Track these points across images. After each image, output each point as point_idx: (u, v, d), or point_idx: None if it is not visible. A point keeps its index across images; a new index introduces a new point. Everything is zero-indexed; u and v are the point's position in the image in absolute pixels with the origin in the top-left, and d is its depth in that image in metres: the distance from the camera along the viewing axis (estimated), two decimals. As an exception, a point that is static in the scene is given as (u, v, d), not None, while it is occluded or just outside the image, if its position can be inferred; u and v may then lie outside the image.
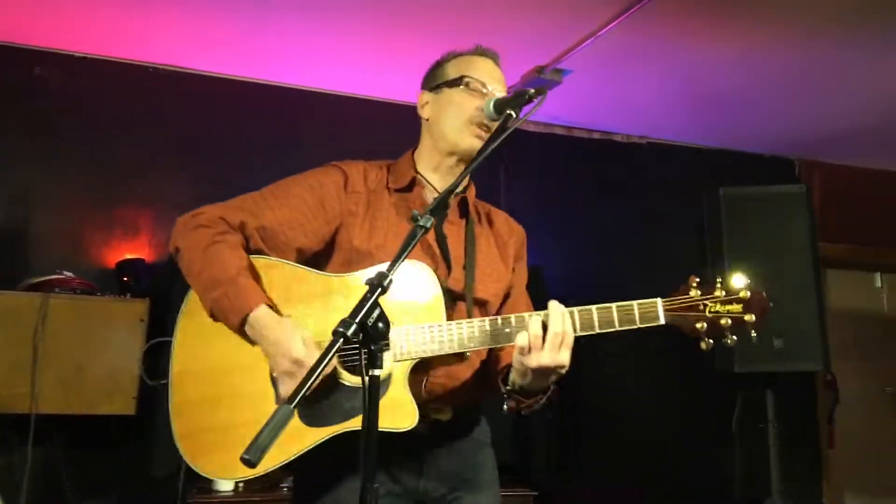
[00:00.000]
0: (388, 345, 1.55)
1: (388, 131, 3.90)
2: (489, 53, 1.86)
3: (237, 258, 1.60)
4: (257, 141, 3.81)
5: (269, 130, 3.86)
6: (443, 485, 1.67)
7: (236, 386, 1.59)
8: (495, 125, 1.68)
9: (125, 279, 3.35)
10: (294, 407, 1.11)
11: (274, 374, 1.58)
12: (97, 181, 3.57)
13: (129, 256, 3.45)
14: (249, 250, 1.65)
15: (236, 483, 3.12)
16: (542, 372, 1.51)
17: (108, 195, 3.58)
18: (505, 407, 1.62)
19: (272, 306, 1.57)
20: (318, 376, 1.15)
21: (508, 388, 1.60)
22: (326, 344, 1.19)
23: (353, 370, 1.57)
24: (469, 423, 1.75)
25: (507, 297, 1.83)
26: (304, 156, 3.81)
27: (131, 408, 3.11)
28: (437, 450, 1.67)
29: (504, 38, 2.05)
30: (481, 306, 1.73)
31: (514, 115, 1.62)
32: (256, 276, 1.62)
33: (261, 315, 1.55)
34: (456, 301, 1.67)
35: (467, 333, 1.56)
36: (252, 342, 1.58)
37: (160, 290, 3.32)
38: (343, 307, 1.57)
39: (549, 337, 1.49)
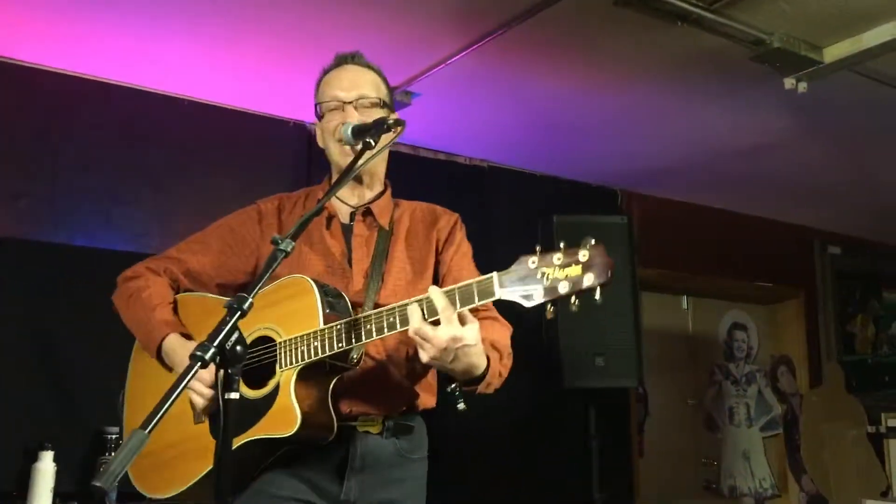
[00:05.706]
0: (261, 363, 1.66)
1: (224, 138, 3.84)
2: (344, 59, 1.98)
3: (152, 300, 1.82)
4: (77, 135, 3.50)
5: (96, 127, 3.56)
6: (362, 499, 1.72)
7: None
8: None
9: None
10: (149, 432, 1.11)
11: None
12: None
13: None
14: (179, 289, 1.90)
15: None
16: (442, 353, 1.52)
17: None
18: (460, 406, 1.63)
19: (185, 334, 1.79)
20: (171, 403, 1.16)
21: (454, 386, 1.64)
22: None
23: (249, 384, 1.66)
24: (397, 437, 1.79)
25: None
26: (133, 154, 3.64)
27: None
28: (361, 463, 1.73)
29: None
30: None
31: (373, 143, 1.71)
32: (181, 309, 1.86)
33: (169, 342, 1.78)
34: (356, 308, 1.72)
35: (335, 335, 1.60)
36: (170, 369, 1.80)
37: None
38: None
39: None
